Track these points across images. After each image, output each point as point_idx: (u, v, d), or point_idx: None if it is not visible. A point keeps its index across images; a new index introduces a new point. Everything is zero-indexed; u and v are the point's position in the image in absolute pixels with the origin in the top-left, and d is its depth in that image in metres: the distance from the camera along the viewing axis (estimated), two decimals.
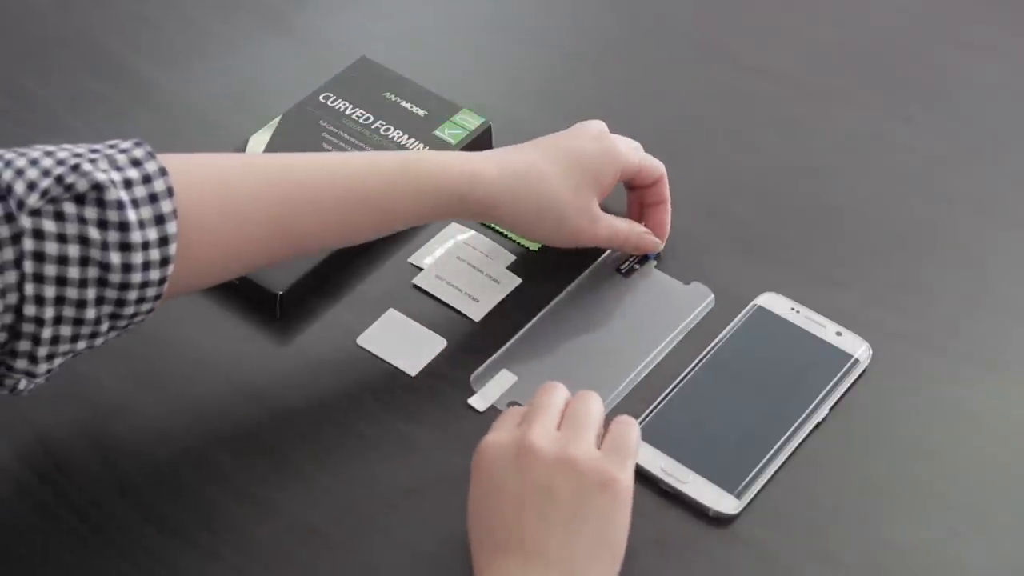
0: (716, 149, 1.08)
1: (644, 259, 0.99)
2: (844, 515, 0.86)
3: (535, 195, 0.91)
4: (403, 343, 0.94)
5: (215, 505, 0.86)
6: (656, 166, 0.98)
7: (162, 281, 0.78)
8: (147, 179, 0.76)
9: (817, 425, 0.90)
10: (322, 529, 0.85)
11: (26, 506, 0.85)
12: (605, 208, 0.95)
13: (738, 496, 0.86)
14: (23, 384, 0.78)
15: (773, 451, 0.88)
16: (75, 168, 0.74)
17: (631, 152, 0.97)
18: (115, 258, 0.75)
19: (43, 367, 0.77)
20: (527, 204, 0.91)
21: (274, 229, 0.84)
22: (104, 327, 0.78)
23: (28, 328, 0.75)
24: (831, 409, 0.90)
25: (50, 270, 0.74)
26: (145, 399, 0.91)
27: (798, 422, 0.89)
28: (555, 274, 0.98)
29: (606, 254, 1.00)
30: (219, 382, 0.92)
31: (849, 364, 0.92)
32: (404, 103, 1.07)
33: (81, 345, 0.78)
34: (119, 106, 1.10)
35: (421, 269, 0.99)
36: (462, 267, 0.99)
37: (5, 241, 0.72)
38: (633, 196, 1.00)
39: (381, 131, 1.05)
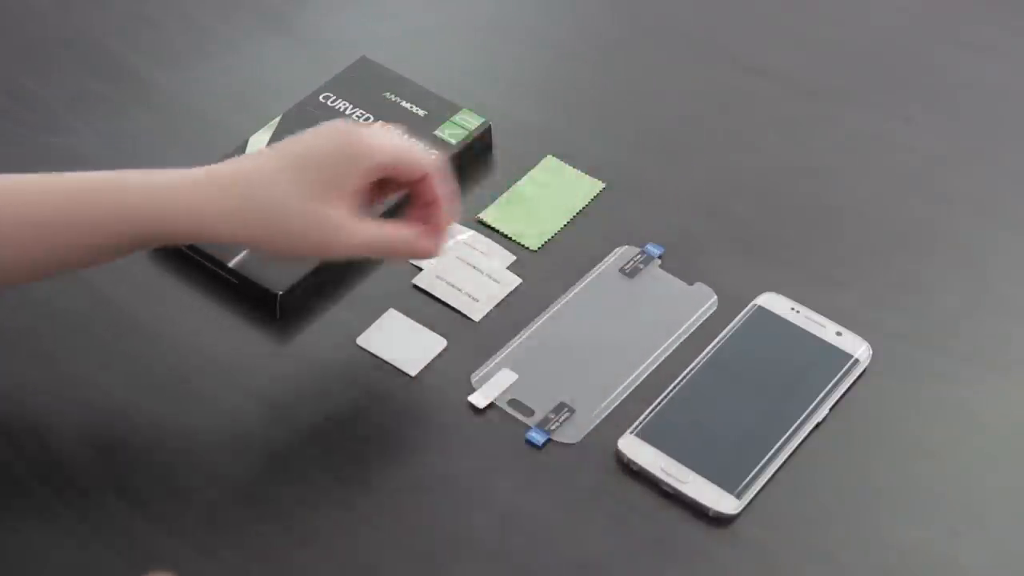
0: (716, 149, 1.08)
1: (648, 258, 0.99)
2: (844, 515, 0.86)
3: (250, 207, 0.81)
4: (403, 343, 0.94)
5: (215, 505, 0.86)
6: (416, 160, 0.85)
7: None
8: None
9: (817, 425, 0.90)
10: (322, 529, 0.85)
11: (26, 506, 0.85)
12: None
13: (738, 496, 0.86)
14: None
15: (773, 451, 0.88)
16: None
17: (384, 144, 0.84)
18: None
19: None
20: (242, 219, 0.81)
21: None
22: None
23: None
24: (831, 409, 0.90)
25: None
26: (145, 399, 0.91)
27: (798, 422, 0.89)
28: (555, 274, 0.98)
29: (610, 254, 1.00)
30: (219, 382, 0.92)
31: (849, 364, 0.92)
32: (404, 103, 1.07)
33: None
34: (119, 106, 1.10)
35: (421, 269, 0.99)
36: (462, 267, 0.99)
37: None
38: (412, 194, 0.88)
39: None
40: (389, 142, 0.85)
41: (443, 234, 0.87)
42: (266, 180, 0.82)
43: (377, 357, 0.94)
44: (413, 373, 0.93)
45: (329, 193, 0.82)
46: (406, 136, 0.89)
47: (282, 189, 0.82)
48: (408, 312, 0.96)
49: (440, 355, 0.94)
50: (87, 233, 0.82)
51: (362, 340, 0.94)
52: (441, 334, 0.95)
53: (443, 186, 0.87)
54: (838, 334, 0.94)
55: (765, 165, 1.06)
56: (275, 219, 0.82)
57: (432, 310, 0.96)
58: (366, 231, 0.84)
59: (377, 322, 0.95)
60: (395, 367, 0.93)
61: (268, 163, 0.83)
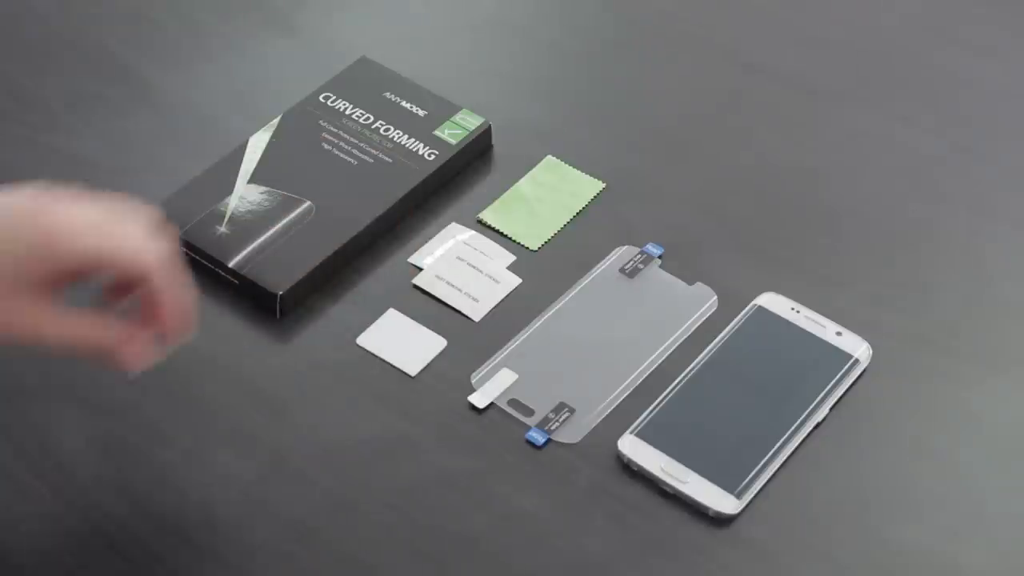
0: (716, 149, 1.08)
1: (648, 258, 0.99)
2: (844, 515, 0.86)
3: None
4: (403, 343, 0.94)
5: (215, 505, 0.86)
6: (130, 257, 0.71)
7: None
8: None
9: (817, 425, 0.90)
10: (322, 529, 0.85)
11: (26, 506, 0.85)
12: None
13: (738, 496, 0.86)
14: None
15: (773, 451, 0.88)
16: None
17: (84, 234, 0.70)
18: None
19: None
20: None
21: None
22: None
23: None
24: (831, 409, 0.90)
25: None
26: (145, 399, 0.91)
27: (798, 422, 0.89)
28: (555, 274, 0.98)
29: (610, 255, 1.00)
30: (219, 382, 0.92)
31: (849, 364, 0.92)
32: (404, 103, 1.07)
33: None
34: (119, 106, 1.10)
35: (421, 269, 0.99)
36: (462, 267, 0.99)
37: None
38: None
39: (381, 131, 1.05)
40: (92, 233, 0.71)
41: (163, 345, 0.76)
42: None
43: (377, 357, 0.94)
44: (413, 373, 0.93)
45: (13, 288, 0.70)
46: (128, 217, 0.74)
47: None
48: (408, 312, 0.96)
49: (440, 355, 0.94)
50: None
51: (362, 340, 0.94)
52: (441, 334, 0.95)
53: (171, 290, 0.74)
54: (838, 334, 0.94)
55: (765, 165, 1.06)
56: None
57: (432, 310, 0.96)
58: (63, 326, 0.72)
59: (377, 322, 0.95)
60: (395, 367, 0.93)
61: None
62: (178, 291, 0.74)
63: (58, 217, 0.70)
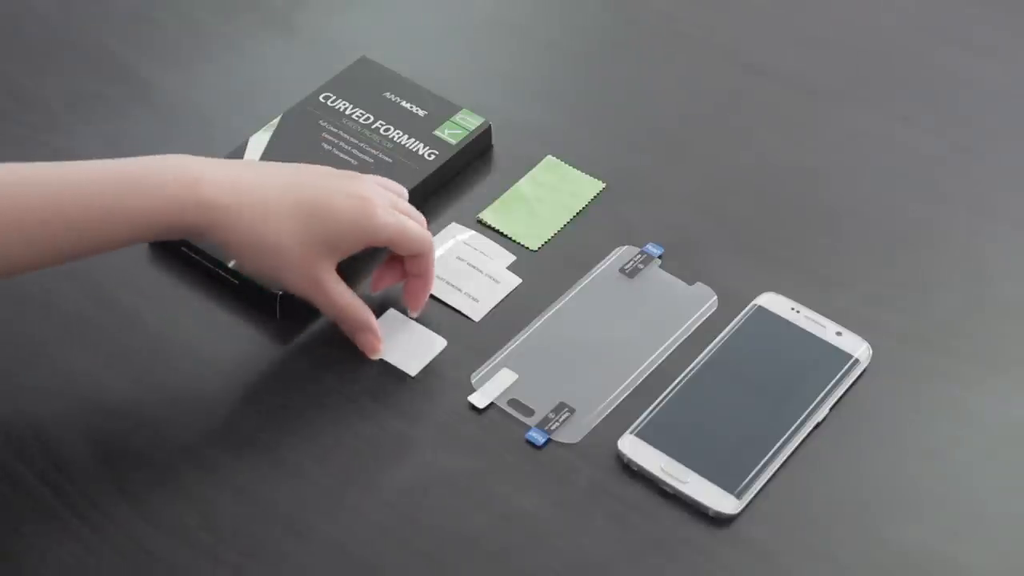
0: (716, 149, 1.08)
1: (648, 258, 0.99)
2: (844, 515, 0.86)
3: (255, 231, 0.86)
4: (403, 343, 0.94)
5: (214, 505, 0.86)
6: (415, 242, 0.91)
7: None
8: None
9: (817, 425, 0.90)
10: (322, 529, 0.85)
11: (26, 506, 0.85)
12: None
13: (738, 496, 0.86)
14: None
15: (773, 451, 0.88)
16: None
17: (386, 223, 0.89)
18: None
19: None
20: (242, 236, 0.86)
21: None
22: None
23: None
24: (831, 409, 0.90)
25: None
26: (145, 399, 0.91)
27: (798, 422, 0.89)
28: (555, 274, 0.98)
29: (610, 255, 1.00)
30: (219, 382, 0.92)
31: (849, 364, 0.92)
32: (404, 103, 1.07)
33: None
34: (119, 106, 1.10)
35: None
36: (462, 267, 0.99)
37: None
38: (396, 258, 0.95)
39: (381, 131, 1.05)
40: (394, 223, 0.89)
41: (419, 304, 0.94)
42: (276, 213, 0.86)
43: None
44: (413, 373, 0.93)
45: (326, 249, 0.88)
46: (406, 205, 0.93)
47: (288, 229, 0.87)
48: (395, 321, 0.96)
49: (440, 355, 0.94)
50: (96, 228, 0.84)
51: None
52: (441, 334, 0.95)
53: (432, 266, 0.93)
54: (838, 334, 0.94)
55: (765, 165, 1.06)
56: (267, 250, 0.87)
57: (432, 310, 0.96)
58: (338, 297, 0.90)
59: (377, 322, 0.95)
60: (395, 367, 0.93)
61: (285, 196, 0.87)
62: (432, 268, 0.93)
63: (380, 208, 0.89)
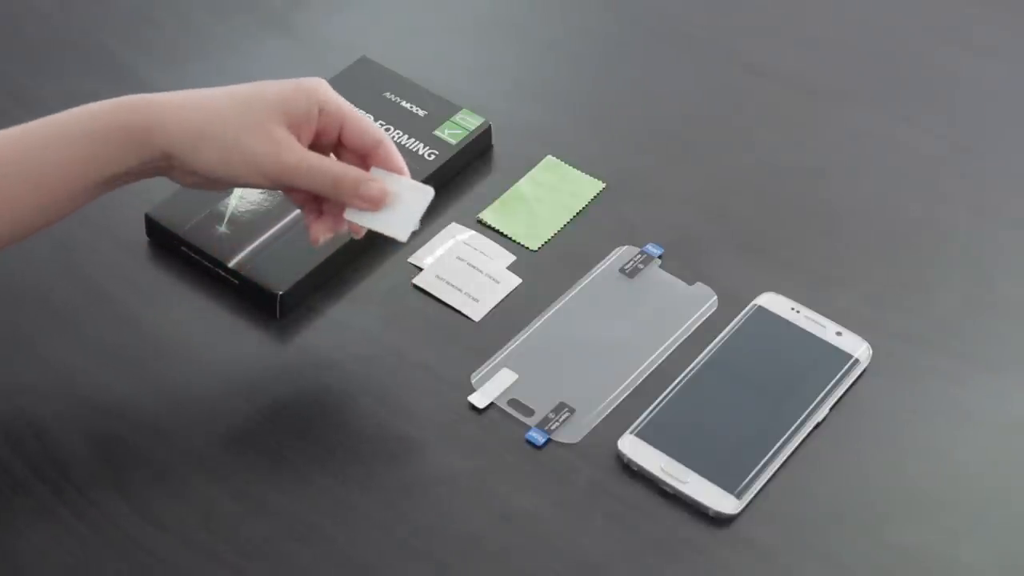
0: (716, 149, 1.08)
1: (648, 258, 0.99)
2: (844, 515, 0.86)
3: (202, 118, 0.84)
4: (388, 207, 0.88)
5: (214, 505, 0.86)
6: (369, 127, 0.88)
7: None
8: None
9: (817, 425, 0.90)
10: (322, 529, 0.85)
11: (25, 505, 0.85)
12: None
13: (738, 496, 0.86)
14: None
15: (773, 451, 0.88)
16: None
17: (337, 97, 0.88)
18: None
19: None
20: (193, 127, 0.84)
21: None
22: None
23: None
24: (831, 409, 0.90)
25: None
26: (145, 399, 0.91)
27: (798, 422, 0.89)
28: (555, 274, 0.98)
29: (610, 255, 1.00)
30: (219, 382, 0.92)
31: (849, 364, 0.92)
32: (404, 103, 1.07)
33: None
34: None
35: (421, 269, 0.99)
36: (462, 267, 0.99)
37: None
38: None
39: None
40: (346, 103, 0.88)
41: (398, 166, 0.88)
42: (225, 100, 0.86)
43: (377, 356, 0.94)
44: (403, 238, 0.88)
45: (278, 115, 0.85)
46: None
47: (237, 108, 0.85)
48: (408, 312, 0.96)
49: (440, 355, 0.94)
50: (54, 172, 0.83)
51: (349, 213, 0.89)
52: (441, 334, 0.95)
53: (398, 157, 0.88)
54: (838, 334, 0.94)
55: (765, 165, 1.06)
56: (225, 134, 0.84)
57: (432, 310, 0.96)
58: (312, 156, 0.85)
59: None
60: (400, 359, 0.93)
61: (233, 89, 0.87)
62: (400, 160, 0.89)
63: (326, 85, 0.88)
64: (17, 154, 0.83)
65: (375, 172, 0.88)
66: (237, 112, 0.85)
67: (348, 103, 0.88)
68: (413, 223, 0.87)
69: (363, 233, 0.90)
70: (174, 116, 0.84)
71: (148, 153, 0.84)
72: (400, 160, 0.89)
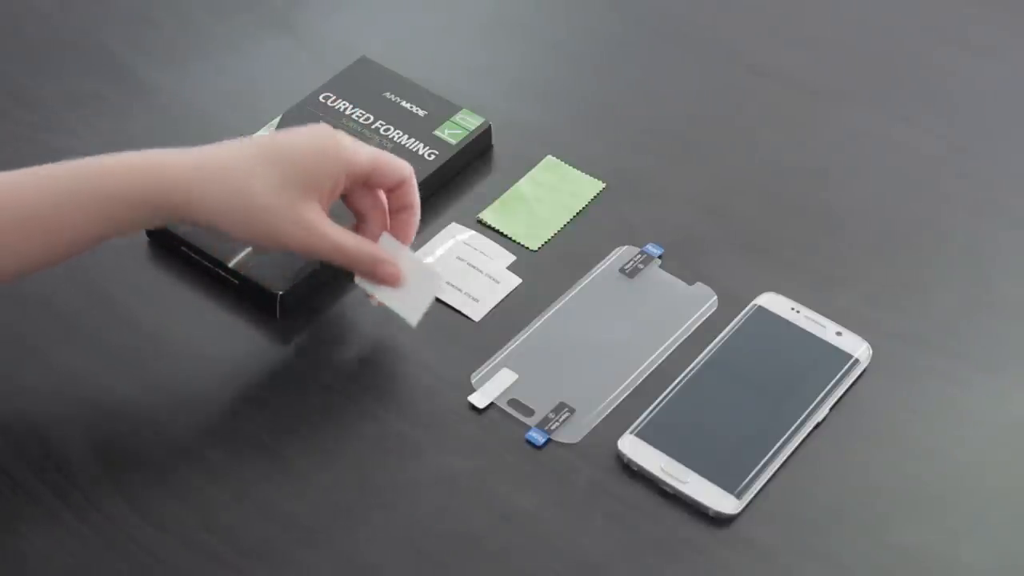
0: (716, 149, 1.08)
1: (648, 258, 0.99)
2: (844, 515, 0.86)
3: (230, 190, 0.84)
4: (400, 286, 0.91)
5: (214, 505, 0.86)
6: (396, 168, 0.89)
7: None
8: None
9: (817, 425, 0.90)
10: (322, 529, 0.85)
11: (27, 507, 0.85)
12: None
13: (738, 496, 0.86)
14: None
15: (773, 451, 0.88)
16: None
17: (358, 150, 0.88)
18: None
19: None
20: (220, 201, 0.84)
21: None
22: None
23: None
24: (831, 409, 0.90)
25: None
26: (145, 399, 0.91)
27: (798, 422, 0.89)
28: (555, 274, 0.98)
29: (610, 255, 1.00)
30: (219, 382, 0.92)
31: (849, 364, 0.92)
32: (404, 103, 1.07)
33: None
34: (119, 106, 1.10)
35: None
36: (462, 267, 0.99)
37: None
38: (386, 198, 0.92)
39: (381, 131, 1.05)
40: (367, 149, 0.88)
41: (410, 238, 0.91)
42: (246, 170, 0.84)
43: (377, 356, 0.94)
44: (414, 323, 0.91)
45: (305, 190, 0.85)
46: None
47: (261, 181, 0.84)
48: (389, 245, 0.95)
49: (440, 355, 0.94)
50: (70, 221, 0.83)
51: (360, 281, 0.92)
52: (441, 334, 0.95)
53: (416, 191, 0.91)
54: (838, 334, 0.94)
55: (765, 165, 1.06)
56: (247, 204, 0.84)
57: (432, 310, 0.96)
58: (336, 235, 0.87)
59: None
60: (400, 359, 0.93)
61: (248, 151, 0.85)
62: (417, 197, 0.91)
63: (347, 138, 0.87)
64: (30, 206, 0.83)
65: (386, 241, 0.91)
66: (268, 189, 0.85)
67: (370, 152, 0.88)
68: (424, 308, 0.91)
69: (376, 301, 0.92)
70: (200, 191, 0.84)
71: (170, 218, 0.86)
72: (417, 205, 0.91)
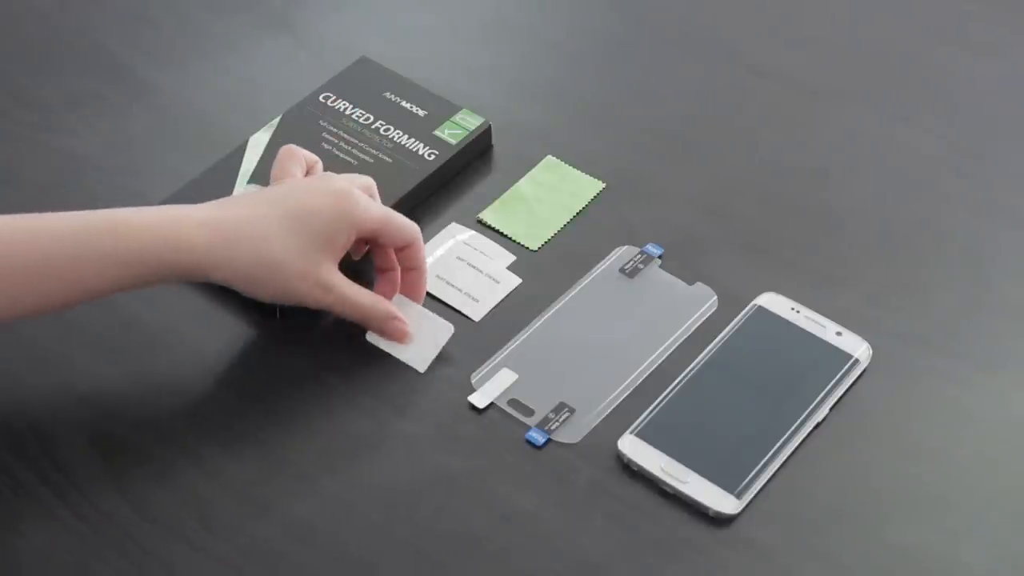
0: (716, 149, 1.08)
1: (648, 258, 0.99)
2: (844, 515, 0.86)
3: (252, 257, 0.87)
4: (412, 335, 0.94)
5: (214, 504, 0.86)
6: (403, 230, 0.92)
7: None
8: None
9: (817, 425, 0.90)
10: (322, 529, 0.85)
11: (26, 506, 0.85)
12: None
13: (738, 496, 0.86)
14: None
15: (773, 451, 0.88)
16: None
17: (369, 210, 0.90)
18: None
19: None
20: (242, 267, 0.87)
21: None
22: None
23: None
24: (831, 409, 0.90)
25: None
26: (145, 399, 0.91)
27: (798, 422, 0.89)
28: (555, 274, 0.98)
29: (610, 255, 1.00)
30: (219, 382, 0.92)
31: (849, 364, 0.92)
32: (404, 103, 1.07)
33: None
34: (119, 106, 1.10)
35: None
36: (462, 267, 0.99)
37: None
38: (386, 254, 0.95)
39: (381, 131, 1.05)
40: (378, 209, 0.91)
41: (419, 299, 0.94)
42: (267, 236, 0.87)
43: (377, 357, 0.94)
44: (422, 370, 0.92)
45: (324, 253, 0.88)
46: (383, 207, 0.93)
47: (282, 248, 0.87)
48: (402, 306, 0.96)
49: (440, 355, 0.94)
50: (83, 276, 0.84)
51: (371, 337, 0.94)
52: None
53: (423, 254, 0.94)
54: (838, 334, 0.94)
55: (765, 165, 1.06)
56: (270, 271, 0.87)
57: (432, 310, 0.96)
58: (353, 294, 0.90)
59: None
60: (396, 367, 0.93)
61: (268, 215, 0.88)
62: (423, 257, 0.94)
63: (361, 200, 0.90)
64: (46, 256, 0.83)
65: (399, 301, 0.94)
66: (290, 256, 0.87)
67: (381, 213, 0.91)
68: (431, 356, 0.93)
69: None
70: (219, 256, 0.86)
71: (188, 278, 0.88)
72: (424, 266, 0.94)
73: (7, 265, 0.82)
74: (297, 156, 0.94)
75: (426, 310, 0.95)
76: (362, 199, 0.90)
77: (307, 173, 0.95)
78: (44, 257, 0.83)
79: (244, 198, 0.90)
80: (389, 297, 0.94)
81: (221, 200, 0.89)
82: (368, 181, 0.94)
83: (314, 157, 0.96)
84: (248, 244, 0.87)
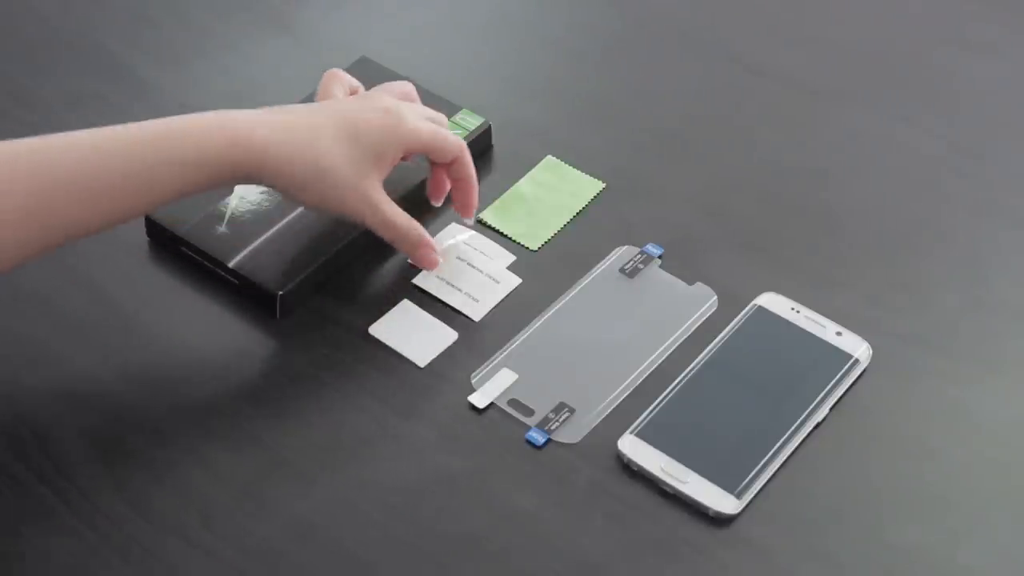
0: (716, 149, 1.08)
1: (648, 258, 0.99)
2: (844, 515, 0.86)
3: (308, 160, 0.89)
4: (415, 334, 0.94)
5: (214, 504, 0.86)
6: (451, 145, 0.96)
7: None
8: None
9: (817, 425, 0.90)
10: (322, 529, 0.85)
11: (26, 507, 0.85)
12: None
13: (738, 496, 0.86)
14: None
15: (773, 451, 0.88)
16: None
17: (418, 128, 0.94)
18: None
19: None
20: (299, 170, 0.89)
21: (29, 224, 0.83)
22: None
23: None
24: (831, 409, 0.90)
25: None
26: (145, 399, 0.91)
27: (798, 422, 0.89)
28: (555, 274, 0.98)
29: (610, 255, 1.00)
30: (219, 382, 0.92)
31: (849, 364, 0.92)
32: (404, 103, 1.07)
33: None
34: (119, 106, 1.10)
35: (421, 269, 0.99)
36: (462, 267, 0.99)
37: None
38: (439, 168, 0.99)
39: None
40: (427, 127, 0.94)
41: (470, 209, 0.98)
42: (324, 143, 0.90)
43: (378, 356, 0.94)
44: (422, 364, 0.92)
45: (373, 166, 0.92)
46: (435, 116, 0.98)
47: (337, 156, 0.90)
48: (408, 311, 0.96)
49: (441, 354, 0.94)
50: (160, 181, 0.87)
51: (374, 330, 0.94)
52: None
53: (471, 167, 0.97)
54: (838, 334, 0.94)
55: (765, 165, 1.06)
56: (322, 176, 0.90)
57: (432, 310, 0.96)
58: (391, 214, 0.93)
59: (390, 312, 0.95)
60: (400, 359, 0.93)
61: (324, 124, 0.91)
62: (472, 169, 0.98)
63: (409, 116, 0.94)
64: (120, 170, 0.86)
65: (403, 306, 0.96)
66: (343, 164, 0.90)
67: (429, 131, 0.94)
68: (433, 355, 0.94)
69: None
70: (277, 157, 0.88)
71: (246, 179, 0.89)
72: (473, 179, 0.98)
73: (103, 181, 0.85)
74: (341, 78, 0.98)
75: (431, 316, 0.95)
76: (410, 116, 0.93)
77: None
78: (124, 166, 0.86)
79: (298, 107, 0.92)
80: (444, 192, 0.98)
81: (273, 107, 0.92)
82: (408, 88, 0.98)
83: (356, 82, 0.99)
84: (305, 148, 0.89)
